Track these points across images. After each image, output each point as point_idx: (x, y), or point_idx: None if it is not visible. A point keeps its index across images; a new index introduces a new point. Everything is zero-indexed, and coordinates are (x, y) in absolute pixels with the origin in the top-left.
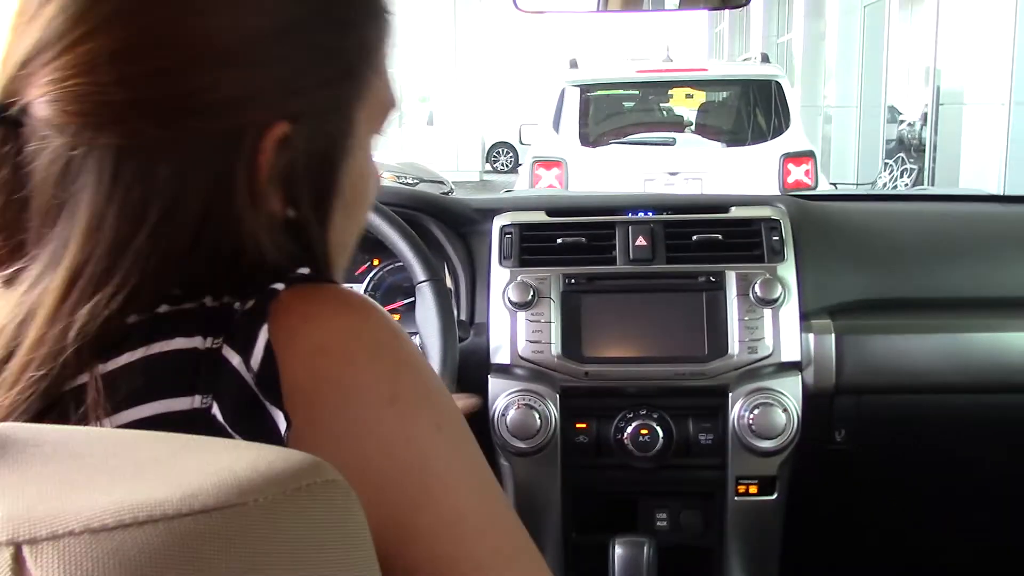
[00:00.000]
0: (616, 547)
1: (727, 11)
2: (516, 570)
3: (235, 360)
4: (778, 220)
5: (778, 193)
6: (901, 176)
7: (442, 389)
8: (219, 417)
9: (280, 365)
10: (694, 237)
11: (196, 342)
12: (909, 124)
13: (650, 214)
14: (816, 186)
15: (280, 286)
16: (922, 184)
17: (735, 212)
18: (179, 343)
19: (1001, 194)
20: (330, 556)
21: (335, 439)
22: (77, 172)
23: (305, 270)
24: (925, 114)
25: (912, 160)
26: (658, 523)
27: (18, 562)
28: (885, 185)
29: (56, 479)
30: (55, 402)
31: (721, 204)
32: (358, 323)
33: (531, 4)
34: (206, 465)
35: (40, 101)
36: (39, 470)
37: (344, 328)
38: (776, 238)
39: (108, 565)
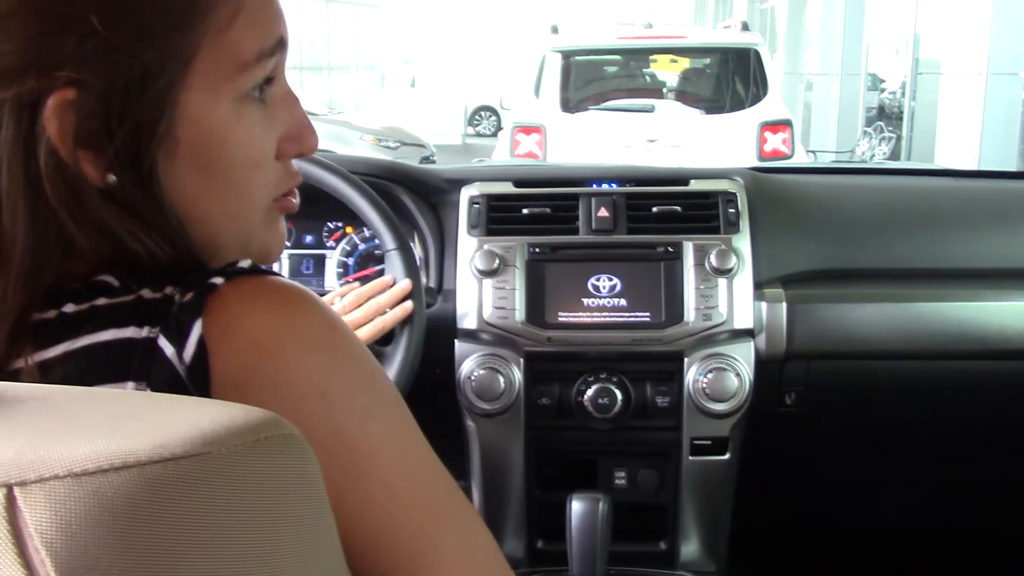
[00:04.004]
0: (573, 502)
1: None
2: (454, 536)
3: (169, 351)
4: (735, 193)
5: (756, 161)
6: (879, 144)
7: (377, 376)
8: None
9: (212, 359)
10: (654, 209)
11: (131, 332)
12: (889, 93)
13: (613, 186)
14: (793, 154)
15: (219, 280)
16: (899, 153)
17: (694, 185)
18: (112, 333)
19: (954, 168)
20: (286, 501)
21: None
22: None
23: (246, 263)
24: (904, 83)
25: (891, 129)
26: (616, 481)
27: (10, 501)
28: (864, 154)
29: (42, 430)
30: None
31: (681, 177)
32: (292, 317)
33: None
34: (175, 419)
35: None
36: (26, 422)
37: (278, 323)
38: (732, 210)
39: (89, 505)
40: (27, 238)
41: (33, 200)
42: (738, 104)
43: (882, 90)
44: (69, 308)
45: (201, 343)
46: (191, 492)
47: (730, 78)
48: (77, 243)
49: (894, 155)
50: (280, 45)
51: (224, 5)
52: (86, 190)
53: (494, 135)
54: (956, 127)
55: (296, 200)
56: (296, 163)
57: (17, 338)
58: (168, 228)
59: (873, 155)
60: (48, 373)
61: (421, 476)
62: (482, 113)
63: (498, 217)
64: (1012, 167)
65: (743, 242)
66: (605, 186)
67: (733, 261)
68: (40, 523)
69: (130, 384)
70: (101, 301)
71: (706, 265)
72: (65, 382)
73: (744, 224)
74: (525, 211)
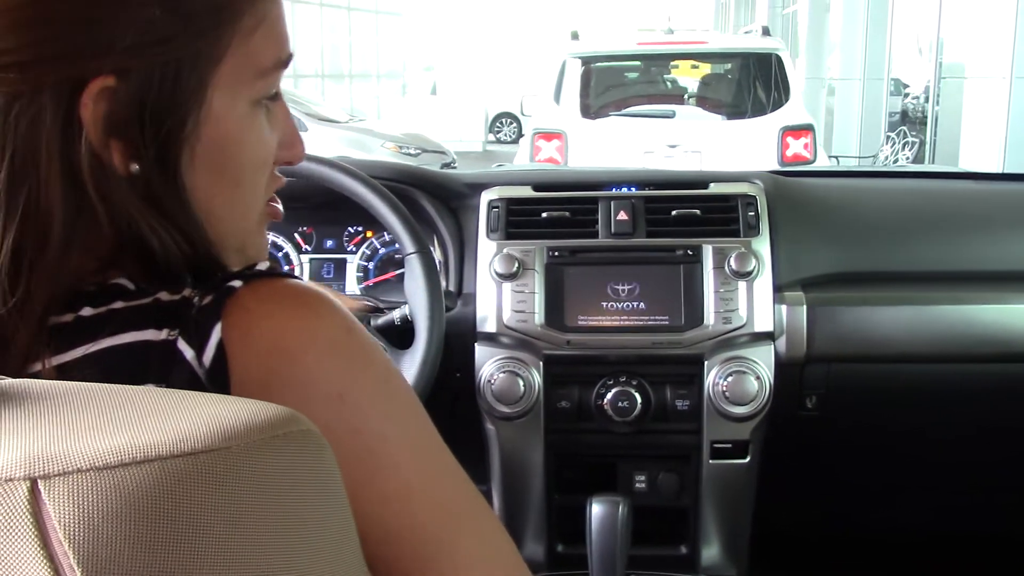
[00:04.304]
0: (593, 505)
1: None
2: (472, 537)
3: (188, 354)
4: (754, 196)
5: (777, 166)
6: (903, 149)
7: (394, 379)
8: None
9: (232, 362)
10: (673, 212)
11: (150, 335)
12: (912, 97)
13: (632, 189)
14: (815, 159)
15: (238, 283)
16: (923, 157)
17: (713, 188)
18: (132, 336)
19: (975, 171)
20: (304, 496)
21: None
22: None
23: (263, 265)
24: (928, 87)
25: (914, 133)
26: (637, 485)
27: (34, 494)
28: (887, 158)
29: (65, 425)
30: None
31: (700, 180)
32: (311, 321)
33: None
34: (196, 414)
35: None
36: (50, 418)
37: (296, 326)
38: (752, 213)
39: (110, 498)
40: (61, 227)
41: (70, 188)
42: (759, 109)
43: (906, 95)
44: (86, 312)
45: (220, 346)
46: (211, 486)
47: (751, 83)
48: (99, 235)
49: (918, 160)
50: (288, 60)
51: (251, 14)
52: (114, 178)
53: (515, 142)
54: (980, 131)
55: (280, 207)
56: (318, 168)
57: (37, 341)
58: (187, 223)
59: (896, 160)
60: (67, 376)
61: (438, 478)
62: (503, 120)
63: (517, 221)
64: None
65: (763, 245)
66: (624, 190)
67: (753, 264)
68: (63, 516)
69: (150, 386)
70: (118, 304)
71: (726, 268)
72: None
73: (764, 227)
74: (544, 215)
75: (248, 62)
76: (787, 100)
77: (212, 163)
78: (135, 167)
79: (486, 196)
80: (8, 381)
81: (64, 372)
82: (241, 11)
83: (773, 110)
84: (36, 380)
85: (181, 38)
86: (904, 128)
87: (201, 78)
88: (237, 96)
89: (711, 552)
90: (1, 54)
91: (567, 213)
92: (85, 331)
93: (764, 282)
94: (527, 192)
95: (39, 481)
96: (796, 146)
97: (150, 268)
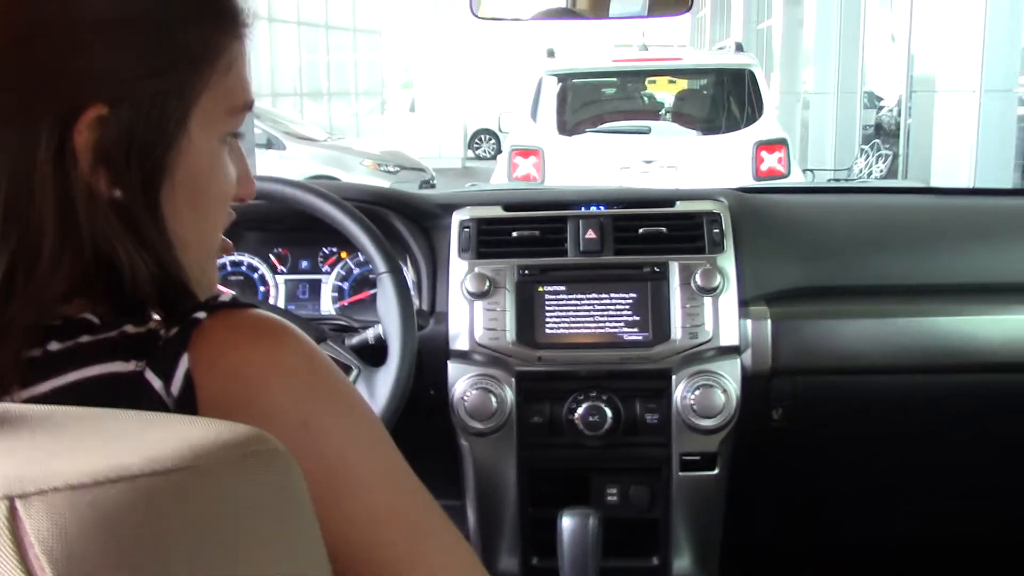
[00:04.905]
0: (563, 519)
1: None
2: (436, 554)
3: (157, 384)
4: (719, 213)
5: (752, 180)
6: (876, 162)
7: (356, 403)
8: None
9: (199, 391)
10: (640, 230)
11: (118, 366)
12: (885, 110)
13: (601, 208)
14: (789, 173)
15: (202, 314)
16: (897, 170)
17: (679, 206)
18: (100, 368)
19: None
20: (273, 513)
21: None
22: None
23: (227, 296)
24: (900, 101)
25: (888, 146)
26: (609, 498)
27: (12, 512)
28: (861, 171)
29: (42, 447)
30: None
31: (667, 198)
32: (273, 350)
33: (487, 11)
34: (166, 435)
35: None
36: (27, 440)
37: (260, 356)
38: (716, 231)
39: (85, 516)
40: (50, 252)
41: (61, 213)
42: (734, 124)
43: (879, 108)
44: (53, 346)
45: (188, 376)
46: (181, 503)
47: (726, 99)
48: (79, 261)
49: (891, 172)
50: (251, 104)
51: (226, 54)
52: (100, 203)
53: (494, 158)
54: (951, 144)
55: (230, 242)
56: (292, 192)
57: (11, 374)
58: (163, 250)
59: (871, 172)
60: None
61: (402, 497)
62: (482, 136)
63: (488, 240)
64: (1008, 183)
65: (728, 261)
66: (593, 208)
67: (718, 280)
68: (40, 532)
69: (122, 409)
70: (85, 338)
71: (692, 284)
72: None
73: (728, 244)
74: (515, 234)
75: (222, 99)
76: (761, 115)
77: (187, 194)
78: (118, 193)
79: (457, 216)
80: None
81: (36, 403)
82: (221, 49)
83: (747, 125)
84: (15, 404)
85: (171, 71)
86: (878, 141)
87: (185, 110)
88: (211, 131)
89: (682, 563)
90: (6, 72)
91: (537, 232)
92: (53, 365)
93: (729, 297)
94: (497, 212)
95: (17, 500)
96: (770, 160)
97: (117, 297)
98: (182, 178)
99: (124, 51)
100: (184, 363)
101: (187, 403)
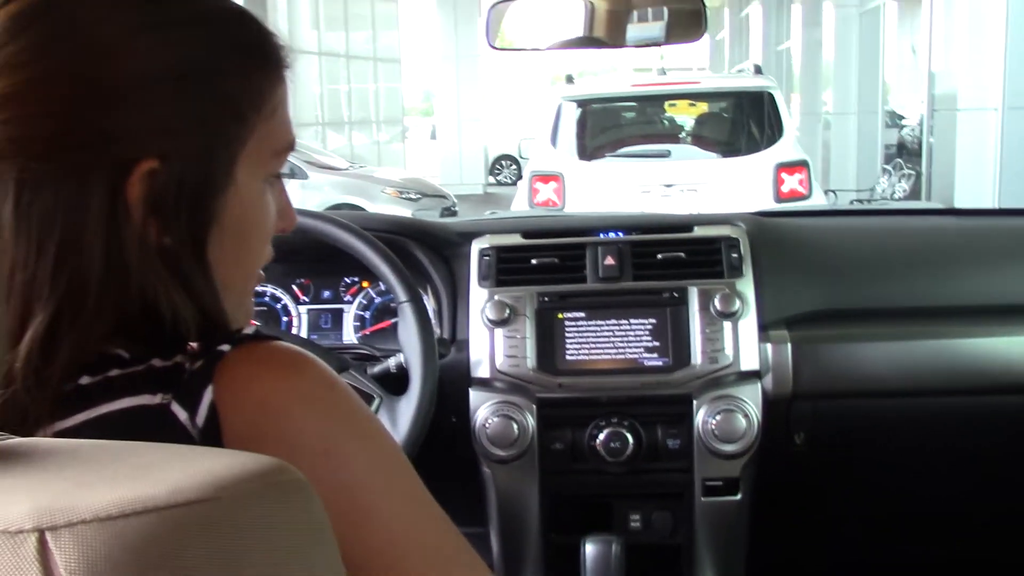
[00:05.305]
0: (586, 545)
1: (727, 20)
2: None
3: (182, 416)
4: (737, 238)
5: (773, 202)
6: (899, 182)
7: (377, 432)
8: None
9: (223, 422)
10: (659, 255)
11: (145, 399)
12: (907, 130)
13: (619, 234)
14: (811, 195)
15: (226, 347)
16: (920, 189)
17: (698, 231)
18: (128, 402)
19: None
20: (294, 543)
21: None
22: None
23: (250, 329)
24: (921, 120)
25: (911, 166)
26: (632, 523)
27: (42, 544)
28: (884, 191)
29: (70, 480)
30: None
31: (685, 223)
32: (296, 380)
33: (505, 41)
34: (190, 467)
35: None
36: (56, 473)
37: (282, 386)
38: (735, 255)
39: (112, 547)
40: (95, 300)
41: (110, 263)
42: (754, 147)
43: (901, 127)
44: (85, 380)
45: (212, 408)
46: (205, 534)
47: (745, 121)
48: (123, 306)
49: (914, 192)
50: (294, 143)
51: (271, 99)
52: (149, 253)
53: (514, 184)
54: (975, 162)
55: (262, 272)
56: (313, 223)
57: (50, 409)
58: (208, 295)
59: (893, 192)
60: None
61: (424, 525)
62: (503, 162)
63: (508, 268)
64: None
65: (747, 286)
66: (611, 235)
67: (737, 304)
68: (69, 563)
69: (147, 442)
70: (114, 372)
71: (711, 309)
72: None
73: (747, 268)
74: (534, 261)
75: (266, 143)
76: (781, 137)
77: (233, 237)
78: (167, 241)
79: (477, 244)
80: (17, 440)
81: (67, 436)
82: (267, 95)
83: (767, 147)
84: (44, 439)
85: (217, 121)
86: (900, 160)
87: (231, 157)
88: (256, 174)
89: None
90: (53, 138)
91: (556, 259)
92: (84, 398)
93: (749, 322)
94: (516, 240)
95: (47, 532)
96: (791, 182)
97: (155, 336)
98: (229, 222)
99: (173, 105)
100: (208, 395)
101: (212, 434)
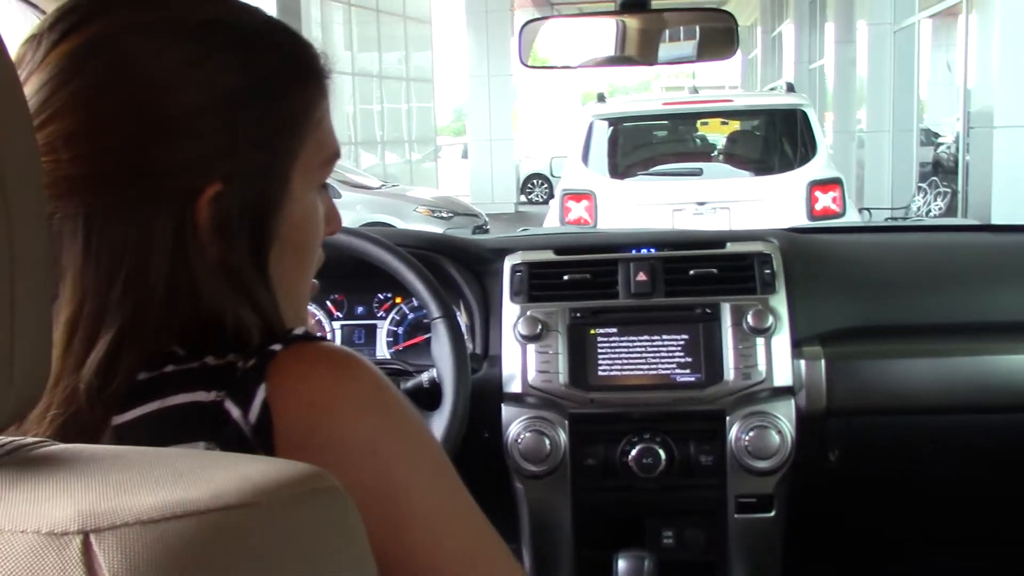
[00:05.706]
0: (619, 561)
1: (759, 38)
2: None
3: (235, 413)
4: (769, 255)
5: (806, 220)
6: (935, 200)
7: (422, 434)
8: None
9: (275, 418)
10: (691, 272)
11: (199, 396)
12: (942, 147)
13: (651, 251)
14: (844, 213)
15: (278, 347)
16: (956, 207)
17: (730, 247)
18: (183, 398)
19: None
20: (330, 548)
21: None
22: (57, 235)
23: (300, 330)
24: (957, 137)
25: (946, 184)
26: (665, 540)
27: (87, 546)
28: (919, 209)
29: (113, 484)
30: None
31: (717, 240)
32: (345, 380)
33: (537, 60)
34: (231, 472)
35: None
36: (99, 477)
37: (332, 386)
38: (768, 271)
39: (154, 550)
40: (159, 317)
41: (176, 285)
42: (787, 165)
43: (937, 145)
44: (143, 375)
45: (265, 405)
46: (244, 538)
47: (778, 139)
48: (188, 320)
49: (950, 209)
50: (339, 151)
51: (317, 111)
52: (214, 271)
53: (546, 202)
54: (1010, 180)
55: (316, 281)
56: (347, 239)
57: (102, 409)
58: (270, 308)
59: (929, 210)
60: (125, 435)
61: (464, 529)
62: (534, 181)
63: (540, 284)
64: None
65: (780, 302)
66: (643, 251)
67: (770, 320)
68: (112, 565)
69: (201, 444)
70: (170, 368)
71: (744, 325)
72: (141, 443)
73: (780, 284)
74: (566, 277)
75: (316, 153)
76: (814, 155)
77: (291, 248)
78: (231, 258)
79: (509, 261)
80: (61, 446)
81: (124, 430)
82: (313, 107)
83: (800, 165)
84: (88, 445)
85: (275, 138)
86: (936, 179)
87: (286, 172)
88: (308, 185)
89: None
90: (118, 173)
91: (588, 275)
92: (140, 394)
93: (782, 338)
94: (548, 256)
95: (91, 535)
96: (825, 200)
97: (214, 340)
98: (287, 234)
99: (230, 131)
100: (261, 393)
101: (263, 430)
